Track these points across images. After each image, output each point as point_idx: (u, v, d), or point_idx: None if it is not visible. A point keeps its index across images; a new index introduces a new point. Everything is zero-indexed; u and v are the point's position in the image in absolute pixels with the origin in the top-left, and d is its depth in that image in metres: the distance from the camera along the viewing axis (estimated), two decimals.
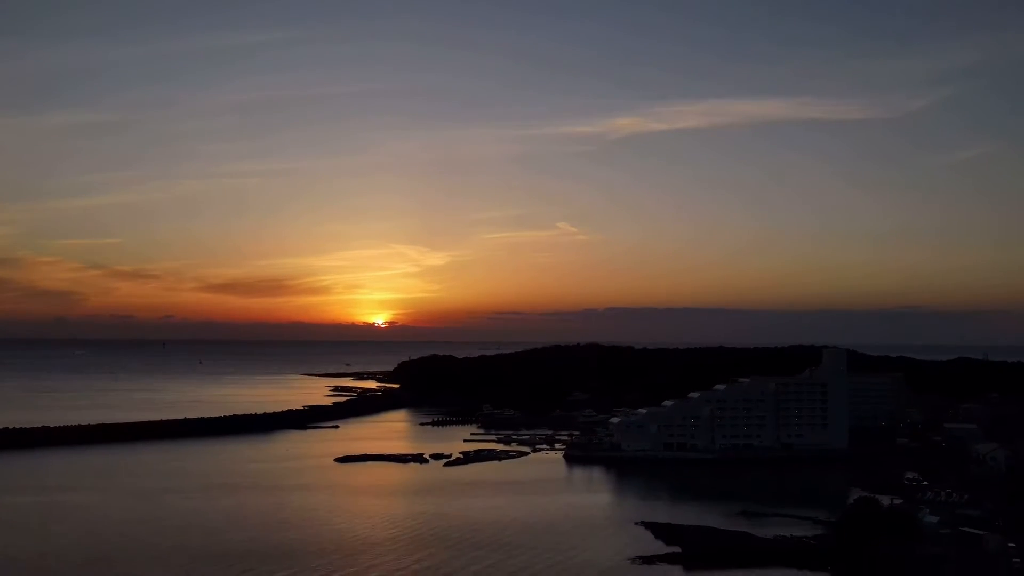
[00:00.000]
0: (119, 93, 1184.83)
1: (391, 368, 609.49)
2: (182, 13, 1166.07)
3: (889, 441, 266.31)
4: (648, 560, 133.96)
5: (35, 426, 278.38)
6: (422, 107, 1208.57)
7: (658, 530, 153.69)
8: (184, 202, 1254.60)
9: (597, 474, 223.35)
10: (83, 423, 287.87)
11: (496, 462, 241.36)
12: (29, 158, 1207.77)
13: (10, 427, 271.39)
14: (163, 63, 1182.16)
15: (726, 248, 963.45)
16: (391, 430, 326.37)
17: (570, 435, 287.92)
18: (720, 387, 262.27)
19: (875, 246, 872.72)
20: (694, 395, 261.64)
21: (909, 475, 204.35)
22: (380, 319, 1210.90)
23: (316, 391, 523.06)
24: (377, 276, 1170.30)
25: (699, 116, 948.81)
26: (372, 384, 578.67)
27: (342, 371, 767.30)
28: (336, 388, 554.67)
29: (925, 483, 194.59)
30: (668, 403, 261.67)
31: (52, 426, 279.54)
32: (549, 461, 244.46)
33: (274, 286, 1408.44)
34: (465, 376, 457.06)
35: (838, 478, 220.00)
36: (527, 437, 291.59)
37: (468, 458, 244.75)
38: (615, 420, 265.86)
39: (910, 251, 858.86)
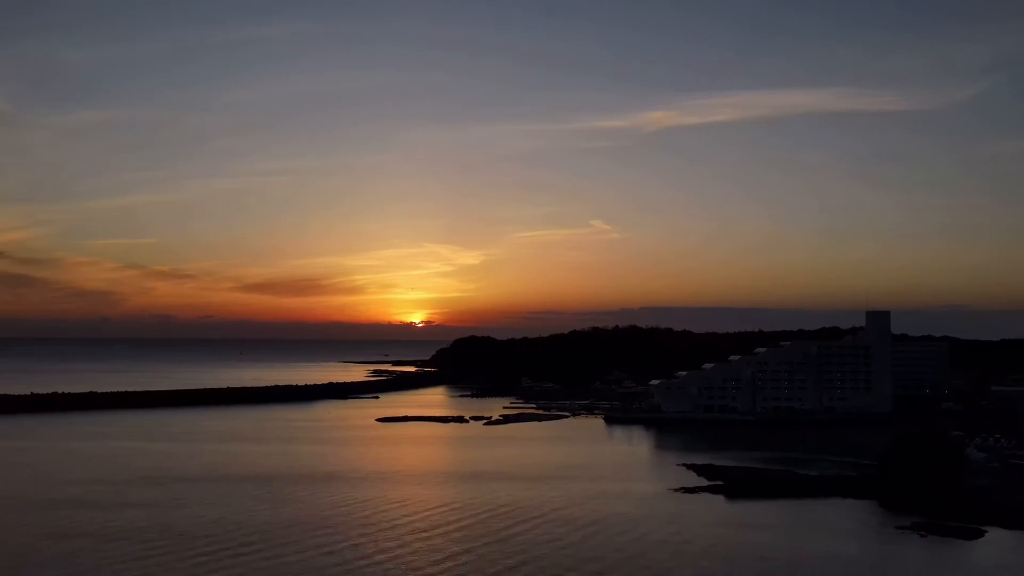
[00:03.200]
0: (151, 91, 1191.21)
1: (428, 358, 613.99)
2: (212, 8, 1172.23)
3: (934, 406, 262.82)
4: (691, 491, 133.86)
5: (83, 391, 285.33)
6: (452, 104, 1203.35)
7: (700, 469, 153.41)
8: (217, 201, 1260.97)
9: (637, 432, 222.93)
10: (129, 390, 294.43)
11: (536, 422, 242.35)
12: (64, 158, 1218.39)
13: (60, 392, 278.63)
14: (195, 60, 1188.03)
15: (769, 244, 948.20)
16: (431, 401, 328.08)
17: (610, 404, 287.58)
18: (761, 350, 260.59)
19: (925, 242, 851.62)
20: (735, 358, 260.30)
21: (955, 433, 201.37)
22: (416, 318, 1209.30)
23: (356, 374, 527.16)
24: (411, 276, 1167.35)
25: (734, 108, 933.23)
26: (411, 369, 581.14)
27: (381, 359, 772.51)
28: (375, 372, 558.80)
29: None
30: (708, 366, 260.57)
31: (99, 392, 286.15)
32: (589, 422, 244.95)
33: (309, 286, 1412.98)
34: (503, 357, 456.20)
35: (882, 437, 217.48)
36: (567, 405, 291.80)
37: (508, 419, 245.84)
38: (655, 382, 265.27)
39: (969, 250, 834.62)
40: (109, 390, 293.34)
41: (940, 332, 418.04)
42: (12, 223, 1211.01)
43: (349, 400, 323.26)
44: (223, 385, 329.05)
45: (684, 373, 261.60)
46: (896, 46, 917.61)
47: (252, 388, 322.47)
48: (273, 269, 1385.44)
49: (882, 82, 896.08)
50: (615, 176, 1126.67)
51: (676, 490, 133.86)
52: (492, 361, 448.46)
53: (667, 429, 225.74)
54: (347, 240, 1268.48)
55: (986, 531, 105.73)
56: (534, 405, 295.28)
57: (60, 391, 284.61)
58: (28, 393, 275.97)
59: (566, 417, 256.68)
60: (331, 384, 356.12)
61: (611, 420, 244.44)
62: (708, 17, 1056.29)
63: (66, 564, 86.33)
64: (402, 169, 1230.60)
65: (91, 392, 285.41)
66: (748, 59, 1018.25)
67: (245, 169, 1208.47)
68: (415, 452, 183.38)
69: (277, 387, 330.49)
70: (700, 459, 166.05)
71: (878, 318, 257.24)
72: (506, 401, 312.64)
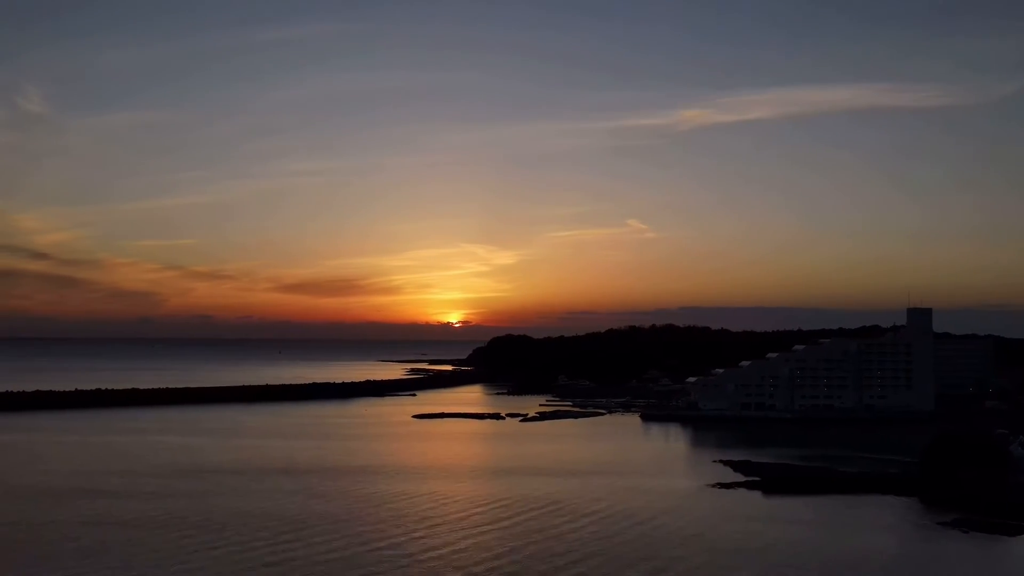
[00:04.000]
0: (187, 93, 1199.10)
1: (464, 358, 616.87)
2: (248, 9, 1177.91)
3: (977, 404, 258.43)
4: (727, 486, 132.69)
5: (126, 388, 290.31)
6: (486, 104, 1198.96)
7: (737, 465, 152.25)
8: (254, 202, 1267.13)
9: (674, 429, 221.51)
10: (169, 387, 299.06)
11: (572, 419, 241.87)
12: (102, 160, 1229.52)
13: (103, 388, 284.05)
14: (230, 61, 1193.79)
15: (807, 243, 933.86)
16: (467, 398, 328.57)
17: (646, 402, 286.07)
18: (799, 347, 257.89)
19: (970, 240, 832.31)
20: (772, 355, 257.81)
21: (999, 431, 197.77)
22: (453, 318, 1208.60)
23: (393, 372, 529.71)
24: (447, 276, 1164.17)
25: (770, 106, 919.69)
26: (448, 368, 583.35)
27: (418, 359, 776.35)
28: (413, 370, 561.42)
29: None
30: (746, 363, 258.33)
31: (141, 388, 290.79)
32: (626, 420, 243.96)
33: (346, 286, 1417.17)
34: (539, 356, 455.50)
35: (923, 435, 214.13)
36: (603, 403, 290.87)
37: (544, 416, 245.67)
38: (692, 380, 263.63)
39: (1004, 248, 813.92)
40: (150, 387, 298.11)
41: (985, 331, 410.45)
42: (54, 224, 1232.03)
43: (386, 398, 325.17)
44: (261, 382, 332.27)
45: (721, 371, 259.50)
46: (934, 41, 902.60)
47: (290, 385, 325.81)
48: (310, 269, 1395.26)
49: (919, 78, 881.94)
50: (650, 175, 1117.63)
51: (713, 486, 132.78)
52: (528, 360, 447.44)
53: (704, 427, 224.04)
54: (383, 240, 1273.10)
55: None
56: (570, 403, 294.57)
57: (103, 388, 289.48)
58: (72, 389, 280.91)
59: (602, 415, 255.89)
60: (368, 382, 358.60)
61: (647, 418, 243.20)
62: (742, 14, 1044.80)
63: (103, 551, 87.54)
64: (437, 169, 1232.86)
65: (133, 389, 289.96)
66: (783, 56, 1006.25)
67: (281, 170, 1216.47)
68: (452, 448, 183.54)
69: (314, 384, 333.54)
70: (737, 456, 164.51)
71: (919, 315, 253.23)
72: (542, 399, 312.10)
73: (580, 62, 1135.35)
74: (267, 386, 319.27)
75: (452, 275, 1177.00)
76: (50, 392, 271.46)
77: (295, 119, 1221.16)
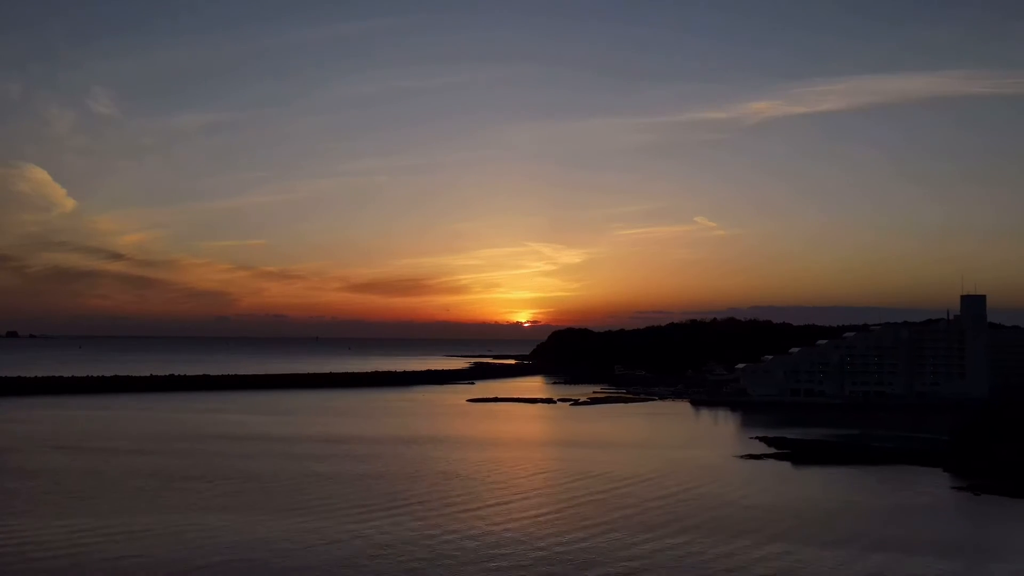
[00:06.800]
0: (255, 92, 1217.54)
1: (528, 353, 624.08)
2: (315, 6, 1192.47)
3: None
4: (757, 457, 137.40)
5: (197, 374, 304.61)
6: (552, 100, 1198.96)
7: (770, 441, 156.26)
8: (323, 202, 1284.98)
9: (722, 413, 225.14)
10: (235, 373, 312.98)
11: (623, 404, 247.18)
12: (172, 161, 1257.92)
13: (176, 374, 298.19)
14: (299, 59, 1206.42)
15: (881, 240, 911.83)
16: (524, 387, 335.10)
17: (699, 390, 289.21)
18: (850, 334, 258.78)
19: None
20: (822, 342, 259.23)
21: None
22: (521, 318, 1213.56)
23: (457, 365, 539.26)
24: (514, 275, 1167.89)
25: (842, 96, 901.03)
26: (510, 361, 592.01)
27: (483, 354, 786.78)
28: (475, 364, 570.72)
29: None
30: (795, 350, 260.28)
31: (213, 375, 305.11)
32: (676, 405, 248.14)
33: (413, 285, 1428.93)
34: (599, 348, 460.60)
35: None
36: (656, 391, 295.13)
37: (596, 401, 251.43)
38: (742, 366, 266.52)
39: None
40: (219, 374, 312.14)
41: None
42: (129, 226, 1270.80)
43: (445, 385, 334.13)
44: (326, 371, 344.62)
45: (771, 357, 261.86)
46: (1009, 25, 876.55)
47: (353, 373, 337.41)
48: (379, 269, 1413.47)
49: (996, 64, 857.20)
50: (718, 171, 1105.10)
51: (743, 456, 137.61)
52: (588, 351, 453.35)
53: (751, 411, 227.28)
54: (448, 240, 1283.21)
55: None
56: (624, 391, 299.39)
57: (176, 374, 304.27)
58: (148, 375, 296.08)
59: (654, 401, 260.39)
60: (428, 371, 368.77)
61: (697, 403, 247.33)
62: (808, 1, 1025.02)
63: (169, 496, 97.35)
64: (501, 167, 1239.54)
65: (204, 375, 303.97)
66: (856, 42, 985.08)
67: (348, 170, 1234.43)
68: (496, 425, 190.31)
69: (377, 372, 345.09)
70: (779, 432, 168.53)
71: (973, 303, 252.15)
72: (598, 387, 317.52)
73: (643, 55, 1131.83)
74: (330, 374, 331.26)
75: (519, 274, 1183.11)
76: (128, 377, 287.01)
77: (361, 118, 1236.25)
